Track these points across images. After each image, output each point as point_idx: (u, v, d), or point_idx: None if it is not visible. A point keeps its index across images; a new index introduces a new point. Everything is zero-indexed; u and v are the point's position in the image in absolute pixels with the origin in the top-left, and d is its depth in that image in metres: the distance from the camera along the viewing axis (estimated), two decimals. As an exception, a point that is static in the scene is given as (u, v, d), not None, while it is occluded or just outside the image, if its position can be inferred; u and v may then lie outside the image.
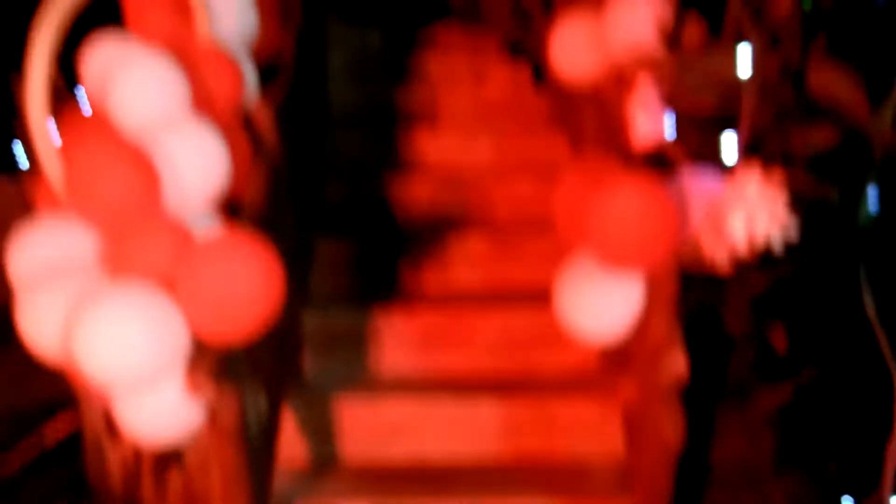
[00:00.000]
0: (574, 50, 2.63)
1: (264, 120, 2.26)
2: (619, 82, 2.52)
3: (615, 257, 1.88)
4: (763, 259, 1.83)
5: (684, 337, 2.07)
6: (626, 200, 1.82)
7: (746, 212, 1.72)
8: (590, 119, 2.98)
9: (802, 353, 2.17)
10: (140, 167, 1.67)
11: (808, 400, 2.15)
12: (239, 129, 2.06)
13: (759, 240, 1.73)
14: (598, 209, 1.84)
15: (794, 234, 1.75)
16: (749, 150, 1.85)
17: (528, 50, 3.96)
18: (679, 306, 2.04)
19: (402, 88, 3.87)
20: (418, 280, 3.17)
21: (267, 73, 2.45)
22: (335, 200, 3.33)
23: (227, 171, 1.85)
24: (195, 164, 1.77)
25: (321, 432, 2.65)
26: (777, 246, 1.75)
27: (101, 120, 1.76)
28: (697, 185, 1.90)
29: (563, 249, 2.75)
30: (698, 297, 2.04)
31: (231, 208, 2.05)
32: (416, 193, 3.38)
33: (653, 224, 1.81)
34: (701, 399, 2.32)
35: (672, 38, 2.09)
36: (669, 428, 2.06)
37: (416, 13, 4.57)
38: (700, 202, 1.87)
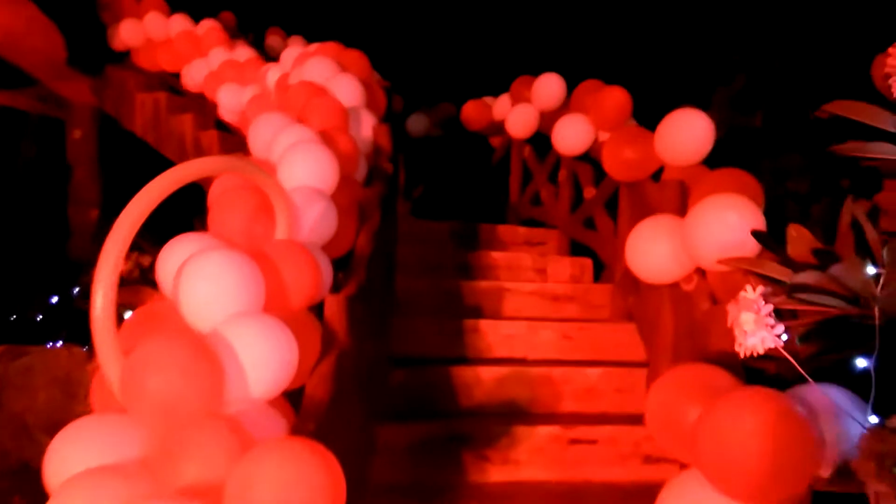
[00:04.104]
0: (655, 249, 2.38)
1: (336, 311, 1.97)
2: (703, 284, 2.24)
3: (737, 489, 1.44)
4: None
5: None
6: (755, 421, 1.40)
7: None
8: (667, 315, 2.64)
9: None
10: (204, 365, 1.36)
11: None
12: (312, 322, 1.78)
13: None
14: (715, 429, 1.44)
15: None
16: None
17: (590, 247, 3.87)
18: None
19: (467, 280, 3.68)
20: (481, 471, 2.74)
21: (340, 262, 2.23)
22: (399, 387, 2.98)
23: (293, 366, 1.54)
24: (262, 361, 1.48)
25: None
26: None
27: (171, 313, 1.48)
28: (825, 399, 1.51)
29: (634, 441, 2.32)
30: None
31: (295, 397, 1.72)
32: (481, 379, 3.03)
33: (785, 449, 1.38)
34: None
35: (774, 244, 1.79)
36: None
37: (482, 212, 4.61)
38: (834, 418, 1.46)
